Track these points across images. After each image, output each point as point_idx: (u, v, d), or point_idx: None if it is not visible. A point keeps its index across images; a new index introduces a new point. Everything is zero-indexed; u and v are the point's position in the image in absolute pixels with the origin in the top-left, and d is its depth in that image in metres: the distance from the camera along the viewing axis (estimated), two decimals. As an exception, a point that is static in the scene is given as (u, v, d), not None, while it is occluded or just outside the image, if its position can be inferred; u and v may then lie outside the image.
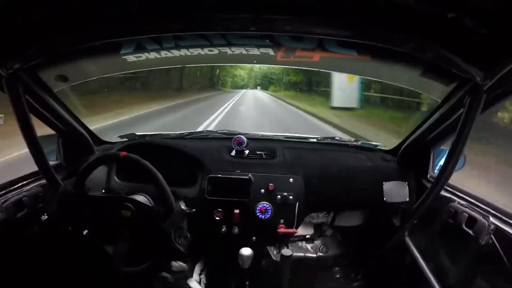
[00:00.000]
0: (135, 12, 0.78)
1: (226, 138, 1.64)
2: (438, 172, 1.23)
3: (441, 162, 1.31)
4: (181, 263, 0.93)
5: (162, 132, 1.78)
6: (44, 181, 1.23)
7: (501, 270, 0.93)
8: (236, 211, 1.35)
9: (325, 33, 0.84)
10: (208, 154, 1.47)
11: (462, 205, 1.16)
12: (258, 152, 1.56)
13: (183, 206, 1.21)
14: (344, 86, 9.96)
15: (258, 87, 24.51)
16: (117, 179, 1.40)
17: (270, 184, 1.37)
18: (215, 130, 1.79)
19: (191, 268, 0.97)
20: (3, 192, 1.11)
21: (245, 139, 1.49)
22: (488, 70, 0.84)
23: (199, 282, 0.99)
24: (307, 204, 1.39)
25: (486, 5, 0.64)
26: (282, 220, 1.36)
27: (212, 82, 23.13)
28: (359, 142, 1.70)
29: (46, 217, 1.22)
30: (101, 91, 9.43)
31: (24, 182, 1.22)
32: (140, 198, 1.16)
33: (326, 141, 1.74)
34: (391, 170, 1.49)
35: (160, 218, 1.01)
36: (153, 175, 1.04)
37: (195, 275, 1.01)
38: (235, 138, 1.50)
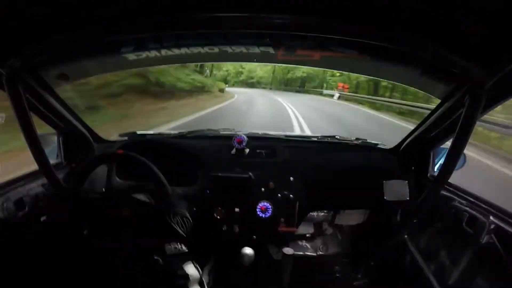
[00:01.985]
0: (136, 11, 0.78)
1: (226, 137, 1.64)
2: (438, 171, 1.23)
3: (441, 161, 1.31)
4: (177, 246, 0.89)
5: (163, 131, 1.78)
6: (44, 180, 1.23)
7: (501, 269, 0.94)
8: (237, 209, 1.35)
9: (326, 32, 0.84)
10: (209, 153, 1.47)
11: (462, 204, 1.16)
12: (258, 151, 1.56)
13: (180, 191, 1.18)
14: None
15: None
16: (117, 178, 1.40)
17: (271, 182, 1.37)
18: (215, 129, 1.79)
19: (193, 255, 0.93)
20: (4, 191, 1.12)
21: (245, 137, 1.49)
22: (489, 70, 0.83)
23: (206, 281, 0.97)
24: (308, 203, 1.39)
25: (487, 5, 0.64)
26: (282, 219, 1.36)
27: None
28: (360, 141, 1.70)
29: (45, 218, 1.22)
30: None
31: (25, 181, 1.22)
32: (141, 197, 1.17)
33: (326, 139, 1.74)
34: (391, 169, 1.50)
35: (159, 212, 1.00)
36: (149, 169, 1.03)
37: (199, 268, 0.97)
38: (236, 137, 1.50)
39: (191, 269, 0.87)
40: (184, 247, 0.89)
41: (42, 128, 1.27)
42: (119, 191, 1.33)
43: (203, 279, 0.90)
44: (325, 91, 21.89)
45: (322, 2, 0.73)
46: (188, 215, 0.97)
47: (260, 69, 31.85)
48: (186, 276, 0.85)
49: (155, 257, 0.88)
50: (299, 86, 28.62)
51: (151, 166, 1.03)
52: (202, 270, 0.92)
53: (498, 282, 0.97)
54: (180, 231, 0.91)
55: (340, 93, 18.20)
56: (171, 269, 0.85)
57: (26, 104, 1.02)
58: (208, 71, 18.04)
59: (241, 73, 35.50)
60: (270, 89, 30.93)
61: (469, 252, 1.08)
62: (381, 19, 0.76)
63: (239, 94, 19.47)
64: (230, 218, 1.36)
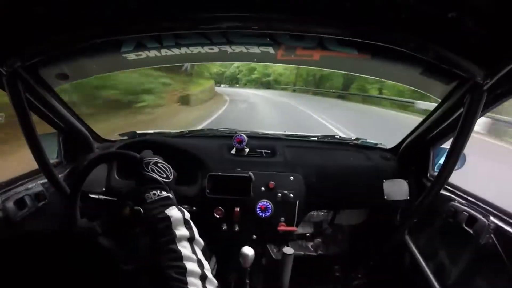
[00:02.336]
0: (136, 11, 0.78)
1: (226, 136, 1.64)
2: (438, 171, 1.23)
3: (441, 161, 1.31)
4: (156, 192, 0.86)
5: (163, 130, 1.78)
6: (44, 179, 1.24)
7: (501, 270, 0.93)
8: (237, 209, 1.35)
9: (326, 32, 0.84)
10: (209, 152, 1.47)
11: (462, 204, 1.16)
12: (258, 150, 1.56)
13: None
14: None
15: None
16: (117, 177, 1.41)
17: (271, 182, 1.37)
18: (215, 129, 1.79)
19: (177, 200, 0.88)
20: (4, 190, 1.12)
21: (245, 137, 1.50)
22: (489, 69, 0.83)
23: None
24: (307, 202, 1.39)
25: (487, 4, 0.64)
26: (282, 218, 1.36)
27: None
28: (359, 141, 1.70)
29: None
30: None
31: (25, 181, 1.22)
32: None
33: (326, 139, 1.74)
34: (391, 169, 1.50)
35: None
36: (115, 153, 1.00)
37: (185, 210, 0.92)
38: (236, 137, 1.50)
39: (173, 211, 0.82)
40: (164, 193, 0.86)
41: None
42: (118, 190, 1.33)
43: (190, 221, 0.85)
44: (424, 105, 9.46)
45: (322, 2, 0.73)
46: (161, 160, 0.93)
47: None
48: (168, 218, 0.78)
49: (135, 207, 0.86)
50: (342, 89, 18.48)
51: (116, 151, 1.01)
52: (182, 208, 0.87)
53: (497, 282, 0.97)
54: (158, 177, 0.89)
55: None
56: (151, 215, 0.81)
57: (26, 103, 1.02)
58: (187, 65, 10.86)
59: (254, 69, 28.05)
60: (294, 91, 22.10)
61: (469, 252, 1.08)
62: (381, 19, 0.76)
63: (235, 103, 12.30)
64: (230, 217, 1.36)
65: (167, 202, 0.84)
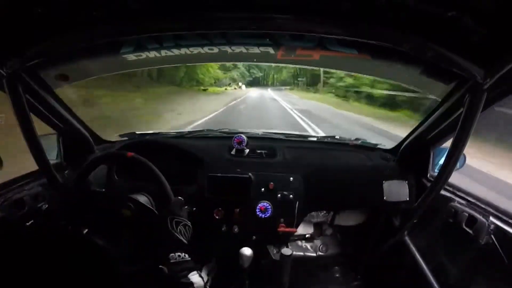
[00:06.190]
0: (136, 12, 0.78)
1: (226, 137, 1.64)
2: (438, 171, 1.23)
3: (441, 161, 1.31)
4: (181, 254, 0.90)
5: (163, 131, 1.78)
6: (44, 180, 1.23)
7: (501, 270, 0.93)
8: (236, 210, 1.35)
9: (326, 32, 0.84)
10: (208, 153, 1.47)
11: (462, 204, 1.16)
12: (258, 151, 1.56)
13: (182, 199, 1.20)
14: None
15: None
16: (117, 178, 1.40)
17: (270, 183, 1.37)
18: (215, 129, 1.79)
19: (195, 262, 0.93)
20: (4, 191, 1.12)
21: (245, 138, 1.49)
22: (489, 68, 0.84)
23: (206, 283, 0.97)
24: (307, 203, 1.39)
25: (486, 4, 0.64)
26: (282, 219, 1.36)
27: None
28: (359, 141, 1.70)
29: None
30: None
31: (25, 181, 1.22)
32: (142, 198, 1.16)
33: (326, 140, 1.74)
34: (391, 169, 1.49)
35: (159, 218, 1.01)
36: (155, 174, 1.05)
37: (204, 276, 0.98)
38: (235, 137, 1.50)
39: (195, 278, 0.88)
40: (187, 256, 0.90)
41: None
42: (119, 190, 1.33)
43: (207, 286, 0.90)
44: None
45: (322, 2, 0.73)
46: (189, 223, 0.97)
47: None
48: (191, 284, 0.85)
49: (160, 266, 0.89)
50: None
51: (156, 172, 1.05)
52: (202, 274, 0.92)
53: (497, 282, 0.97)
54: (183, 239, 0.92)
55: None
56: (175, 278, 0.86)
57: (26, 104, 1.02)
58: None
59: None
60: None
61: (469, 252, 1.08)
62: (381, 19, 0.76)
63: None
64: (229, 218, 1.36)
65: (189, 266, 0.89)
